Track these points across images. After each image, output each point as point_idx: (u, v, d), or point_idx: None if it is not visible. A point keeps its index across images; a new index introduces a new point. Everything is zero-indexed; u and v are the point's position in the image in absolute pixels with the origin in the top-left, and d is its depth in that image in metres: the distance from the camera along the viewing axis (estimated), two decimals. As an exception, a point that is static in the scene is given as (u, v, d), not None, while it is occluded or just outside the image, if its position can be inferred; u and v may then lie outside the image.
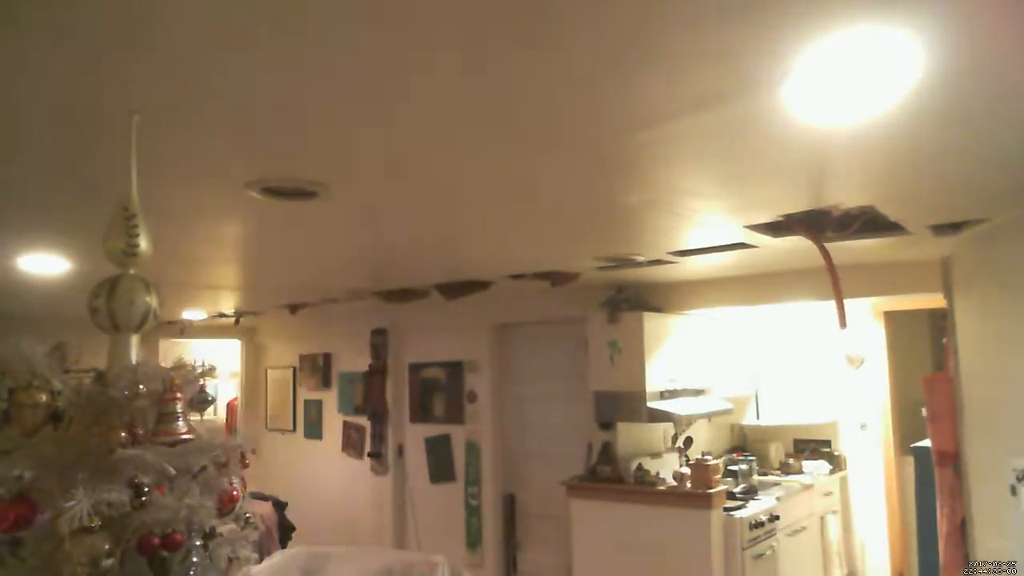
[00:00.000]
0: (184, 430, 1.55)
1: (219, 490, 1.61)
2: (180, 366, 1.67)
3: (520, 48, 1.41)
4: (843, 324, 3.31)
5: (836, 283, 3.09)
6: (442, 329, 6.30)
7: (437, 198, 2.63)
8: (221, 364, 7.70)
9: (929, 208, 2.93)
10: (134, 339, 1.61)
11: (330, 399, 7.29)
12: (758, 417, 5.99)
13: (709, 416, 5.26)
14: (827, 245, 3.22)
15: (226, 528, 1.62)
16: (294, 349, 7.70)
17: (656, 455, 5.21)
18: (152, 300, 1.61)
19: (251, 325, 7.85)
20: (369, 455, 6.70)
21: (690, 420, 5.16)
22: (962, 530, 3.46)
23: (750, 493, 4.95)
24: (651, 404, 4.65)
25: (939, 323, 5.34)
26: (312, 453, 7.42)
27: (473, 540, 5.95)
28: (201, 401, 1.69)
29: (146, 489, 1.42)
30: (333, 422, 7.22)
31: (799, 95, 1.65)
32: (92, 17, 1.25)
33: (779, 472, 5.65)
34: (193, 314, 6.53)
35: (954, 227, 3.20)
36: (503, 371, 6.03)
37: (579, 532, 4.88)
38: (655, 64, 1.49)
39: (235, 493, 1.64)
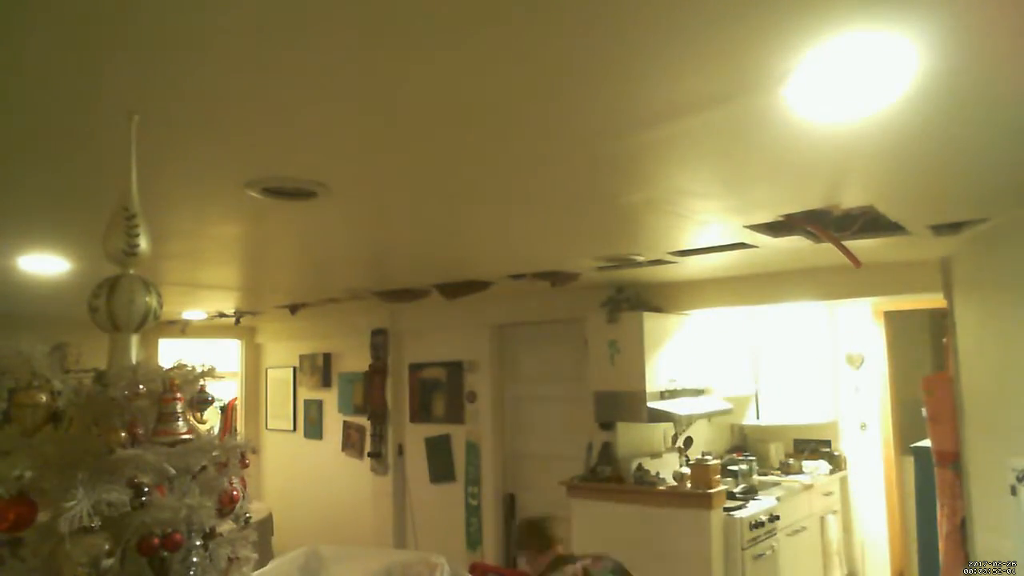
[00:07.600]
0: (184, 430, 1.55)
1: (219, 490, 1.60)
2: (180, 366, 1.67)
3: (520, 48, 1.41)
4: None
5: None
6: (442, 329, 6.30)
7: (437, 198, 2.63)
8: (220, 365, 7.67)
9: (929, 208, 2.93)
10: (134, 339, 1.61)
11: (330, 399, 7.29)
12: (758, 417, 5.98)
13: (709, 416, 5.26)
14: (827, 246, 3.23)
15: (226, 528, 1.62)
16: (294, 349, 7.69)
17: (656, 455, 5.21)
18: (152, 300, 1.61)
19: (251, 325, 7.84)
20: (369, 455, 6.70)
21: (690, 420, 5.16)
22: (962, 530, 3.46)
23: (750, 493, 4.95)
24: (651, 404, 4.65)
25: (939, 323, 5.34)
26: (312, 453, 7.41)
27: (473, 540, 5.95)
28: (201, 401, 1.68)
29: (146, 489, 1.41)
30: (333, 422, 7.22)
31: (799, 96, 1.65)
32: (92, 16, 1.25)
33: (779, 472, 5.65)
34: (193, 314, 6.53)
35: (954, 227, 3.20)
36: (503, 371, 6.03)
37: (579, 532, 4.88)
38: (656, 65, 1.49)
39: (235, 493, 1.64)
